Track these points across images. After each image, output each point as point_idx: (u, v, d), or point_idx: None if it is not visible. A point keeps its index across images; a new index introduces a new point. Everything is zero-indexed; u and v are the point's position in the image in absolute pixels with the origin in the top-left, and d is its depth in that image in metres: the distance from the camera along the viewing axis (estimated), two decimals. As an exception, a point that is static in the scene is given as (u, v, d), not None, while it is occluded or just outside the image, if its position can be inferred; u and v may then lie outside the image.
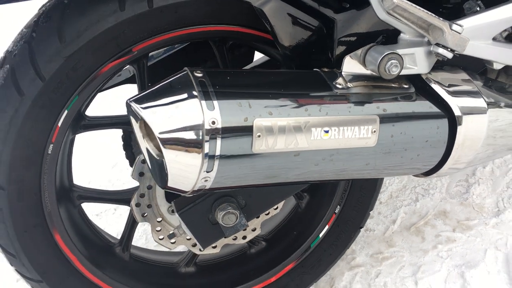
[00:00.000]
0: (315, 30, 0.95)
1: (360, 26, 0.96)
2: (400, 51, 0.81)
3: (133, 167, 1.02)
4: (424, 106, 0.86)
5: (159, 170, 0.76)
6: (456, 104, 0.87)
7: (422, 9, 0.81)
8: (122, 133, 1.25)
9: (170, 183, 0.76)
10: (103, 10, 0.87)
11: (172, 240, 1.11)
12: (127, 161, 1.96)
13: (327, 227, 1.24)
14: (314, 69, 0.87)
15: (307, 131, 0.75)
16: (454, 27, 0.83)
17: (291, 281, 1.26)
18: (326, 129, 0.76)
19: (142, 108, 0.72)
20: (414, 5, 0.81)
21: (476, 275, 1.28)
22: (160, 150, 0.76)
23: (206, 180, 0.74)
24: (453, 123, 0.88)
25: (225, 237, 1.02)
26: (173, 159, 0.71)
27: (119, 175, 1.87)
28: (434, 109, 0.87)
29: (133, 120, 0.76)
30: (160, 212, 1.07)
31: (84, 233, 1.11)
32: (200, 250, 1.14)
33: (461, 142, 0.88)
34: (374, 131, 0.80)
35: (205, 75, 0.74)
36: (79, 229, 1.10)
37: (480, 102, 0.89)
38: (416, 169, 0.92)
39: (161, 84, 0.75)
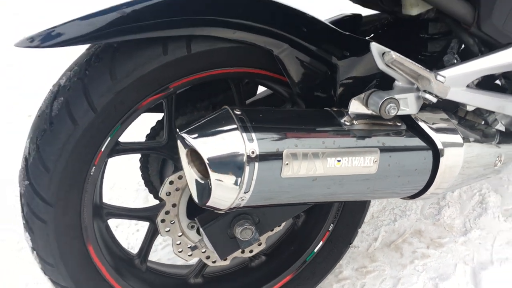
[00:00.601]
0: (321, 73, 1.13)
1: (358, 71, 1.15)
2: (396, 96, 1.00)
3: (162, 187, 1.15)
4: (414, 140, 1.05)
5: (201, 191, 0.91)
6: (439, 139, 1.05)
7: (414, 62, 1.01)
8: (140, 156, 1.39)
9: (210, 202, 0.91)
10: (149, 54, 1.02)
11: (189, 253, 1.25)
12: (124, 182, 2.09)
13: (321, 243, 1.39)
14: (325, 108, 1.05)
15: (323, 160, 0.92)
16: (439, 77, 1.03)
17: (289, 291, 1.41)
18: (339, 158, 0.94)
19: (192, 138, 0.87)
20: (408, 59, 1.00)
21: (448, 286, 1.46)
22: (204, 174, 0.92)
23: (242, 200, 0.90)
24: (437, 155, 1.06)
25: (240, 250, 1.18)
26: (218, 181, 0.86)
27: (118, 195, 1.99)
28: (421, 143, 1.05)
29: (181, 148, 0.92)
30: (181, 227, 1.21)
31: (109, 246, 1.24)
32: (212, 262, 1.29)
33: (443, 171, 1.07)
34: (375, 161, 0.98)
35: (243, 113, 0.90)
36: (105, 242, 1.22)
37: (457, 138, 1.09)
38: (405, 193, 1.10)
39: (206, 120, 0.90)
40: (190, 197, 1.18)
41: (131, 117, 1.07)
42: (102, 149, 1.07)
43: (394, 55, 0.97)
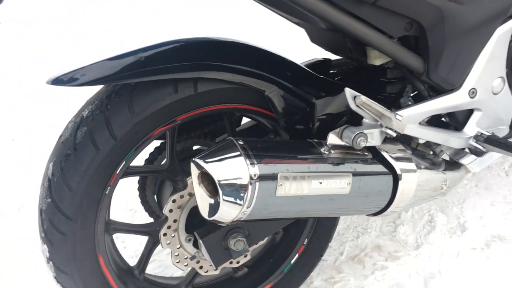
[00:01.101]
0: (302, 110, 1.36)
1: (332, 109, 1.37)
2: (365, 131, 1.23)
3: (166, 205, 1.33)
4: (378, 167, 1.28)
5: (210, 207, 1.11)
6: (398, 166, 1.28)
7: (378, 104, 1.25)
8: (138, 179, 1.55)
9: (217, 216, 1.10)
10: (162, 92, 1.20)
11: (185, 263, 1.42)
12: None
13: (297, 255, 1.58)
14: (308, 140, 1.27)
15: (309, 182, 1.14)
16: (397, 116, 1.27)
17: (268, 298, 1.60)
18: (320, 181, 1.15)
19: (205, 163, 1.07)
20: (374, 102, 1.24)
21: (403, 293, 1.69)
22: (212, 193, 1.11)
23: (244, 214, 1.09)
24: (396, 179, 1.28)
25: (232, 260, 1.36)
26: (227, 199, 1.06)
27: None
28: (384, 169, 1.28)
29: (193, 171, 1.11)
30: (180, 240, 1.39)
31: (114, 257, 1.40)
32: (205, 272, 1.47)
33: (401, 192, 1.30)
34: (349, 183, 1.20)
35: (245, 143, 1.10)
36: (111, 254, 1.38)
37: (412, 165, 1.32)
38: (370, 210, 1.33)
39: (215, 148, 1.10)
40: (189, 214, 1.37)
41: (143, 145, 1.25)
42: (117, 172, 1.24)
43: (364, 98, 1.21)
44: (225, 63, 1.24)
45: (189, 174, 1.33)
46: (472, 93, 1.44)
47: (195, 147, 1.53)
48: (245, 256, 1.49)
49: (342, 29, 1.25)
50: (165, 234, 1.36)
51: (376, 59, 1.39)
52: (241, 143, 1.10)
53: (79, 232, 1.23)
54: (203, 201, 1.12)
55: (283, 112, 1.33)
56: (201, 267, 1.44)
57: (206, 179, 1.11)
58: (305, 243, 1.58)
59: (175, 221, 1.36)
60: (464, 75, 1.41)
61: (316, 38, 1.57)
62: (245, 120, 1.62)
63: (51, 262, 1.27)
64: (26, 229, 2.16)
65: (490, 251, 1.78)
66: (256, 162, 1.07)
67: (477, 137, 1.47)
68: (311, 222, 1.57)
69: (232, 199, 1.06)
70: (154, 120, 1.22)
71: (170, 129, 1.31)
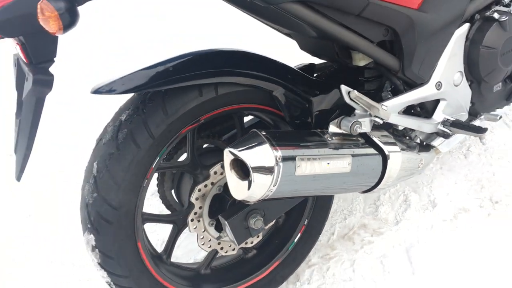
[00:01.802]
0: (302, 106, 1.60)
1: (326, 104, 1.63)
2: (359, 120, 1.49)
3: (192, 194, 1.54)
4: (370, 150, 1.53)
5: (241, 188, 1.32)
6: (386, 149, 1.54)
7: (368, 98, 1.51)
8: (157, 175, 1.75)
9: (247, 195, 1.32)
10: (189, 96, 1.41)
11: (209, 245, 1.63)
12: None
13: (299, 234, 1.81)
14: (312, 130, 1.51)
15: (319, 163, 1.38)
16: (383, 107, 1.54)
17: (277, 273, 1.79)
18: (328, 162, 1.40)
19: (238, 151, 1.29)
20: (364, 96, 1.50)
21: (389, 262, 1.93)
22: (241, 176, 1.33)
23: (270, 191, 1.32)
24: (385, 159, 1.54)
25: (251, 237, 1.58)
26: (257, 180, 1.28)
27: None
28: (375, 151, 1.54)
29: (227, 158, 1.32)
30: (204, 225, 1.59)
31: (146, 244, 1.58)
32: (225, 252, 1.68)
33: (389, 170, 1.56)
34: (349, 164, 1.45)
35: (267, 134, 1.33)
36: (144, 241, 1.57)
37: (397, 148, 1.59)
38: (365, 186, 1.58)
39: (243, 139, 1.33)
40: (211, 201, 1.58)
41: (173, 142, 1.46)
42: (153, 166, 1.43)
43: (356, 93, 1.47)
44: (239, 69, 1.47)
45: (206, 167, 1.55)
46: (438, 85, 1.73)
47: (204, 146, 1.74)
48: (258, 237, 1.71)
49: (332, 36, 1.51)
50: (192, 220, 1.56)
51: (360, 61, 1.66)
52: (264, 133, 1.33)
53: (123, 220, 1.41)
54: (235, 184, 1.34)
55: (287, 108, 1.56)
56: (221, 248, 1.65)
57: (236, 165, 1.33)
58: (305, 223, 1.82)
59: (200, 207, 1.56)
60: (431, 71, 1.70)
61: (305, 46, 1.82)
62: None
63: (96, 250, 1.44)
64: (25, 229, 2.29)
65: (458, 221, 2.08)
66: (278, 148, 1.30)
67: (444, 122, 1.76)
68: (310, 204, 1.81)
69: (261, 179, 1.29)
70: (184, 120, 1.43)
71: (192, 129, 1.52)
